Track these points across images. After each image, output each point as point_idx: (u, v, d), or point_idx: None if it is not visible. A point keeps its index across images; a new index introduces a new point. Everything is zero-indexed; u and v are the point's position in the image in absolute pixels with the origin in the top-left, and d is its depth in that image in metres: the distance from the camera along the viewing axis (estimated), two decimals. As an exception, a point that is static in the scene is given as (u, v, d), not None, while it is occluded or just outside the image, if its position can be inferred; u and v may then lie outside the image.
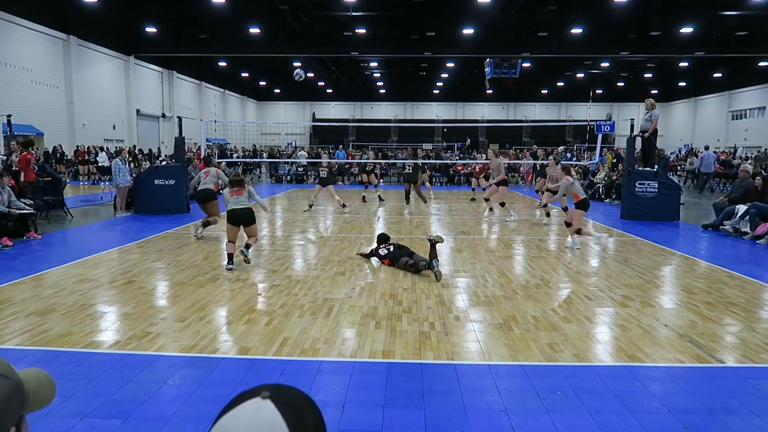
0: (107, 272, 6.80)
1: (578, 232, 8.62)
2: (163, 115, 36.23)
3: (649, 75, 44.52)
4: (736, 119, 41.48)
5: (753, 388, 3.65)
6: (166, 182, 12.05)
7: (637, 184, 11.71)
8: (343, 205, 13.07)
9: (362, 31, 30.77)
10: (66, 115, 26.43)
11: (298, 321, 4.98)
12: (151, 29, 30.03)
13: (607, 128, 13.41)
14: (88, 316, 5.03)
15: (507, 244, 9.26)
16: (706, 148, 21.53)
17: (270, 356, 4.15)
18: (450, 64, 40.78)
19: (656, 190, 11.61)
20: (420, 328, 4.84)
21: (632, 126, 12.29)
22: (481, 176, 17.64)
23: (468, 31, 29.24)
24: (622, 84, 48.95)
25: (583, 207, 8.58)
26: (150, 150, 27.13)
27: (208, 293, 5.88)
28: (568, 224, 8.85)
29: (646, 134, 12.19)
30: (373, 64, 42.71)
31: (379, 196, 15.97)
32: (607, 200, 16.25)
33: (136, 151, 26.91)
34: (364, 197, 16.20)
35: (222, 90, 46.27)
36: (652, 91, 48.76)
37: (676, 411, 3.31)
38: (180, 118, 13.05)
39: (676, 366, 4.05)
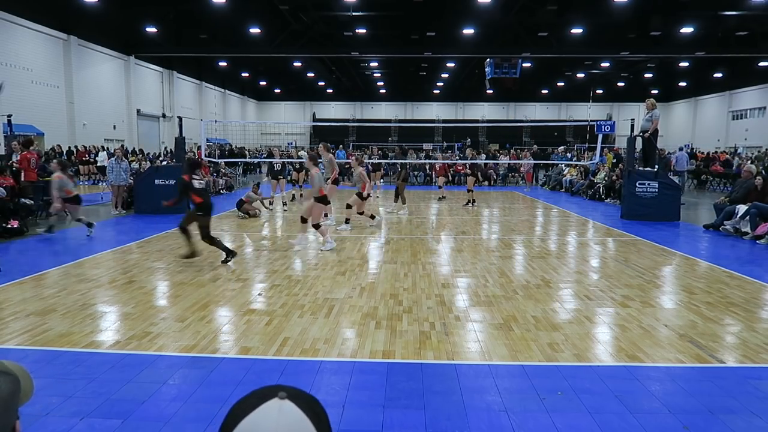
0: (107, 272, 6.80)
1: (316, 227, 8.46)
2: (164, 115, 36.23)
3: (650, 75, 44.50)
4: (737, 119, 41.45)
5: (753, 388, 3.65)
6: (167, 182, 12.04)
7: (637, 184, 11.71)
8: (270, 202, 13.82)
9: (362, 31, 30.76)
10: (66, 115, 26.43)
11: (298, 321, 4.98)
12: (151, 29, 30.03)
13: (607, 128, 13.40)
14: (89, 316, 5.03)
15: (507, 244, 9.26)
16: (680, 149, 21.78)
17: (270, 356, 4.15)
18: (450, 64, 40.77)
19: (656, 190, 11.60)
20: (420, 328, 4.84)
21: (632, 126, 12.29)
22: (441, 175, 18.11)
23: (468, 31, 29.22)
24: (622, 84, 48.92)
25: (323, 201, 8.48)
26: (142, 150, 26.95)
27: (208, 293, 5.88)
28: (305, 220, 8.64)
29: (647, 134, 12.19)
30: (373, 64, 42.70)
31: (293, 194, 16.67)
32: (608, 200, 16.22)
33: (122, 151, 26.82)
34: (294, 196, 16.68)
35: (222, 90, 46.27)
36: (653, 91, 48.67)
37: (676, 411, 3.31)
38: (180, 118, 13.04)
39: (676, 366, 4.05)
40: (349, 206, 10.47)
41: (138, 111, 32.72)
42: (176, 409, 3.29)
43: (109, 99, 29.87)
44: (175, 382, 3.67)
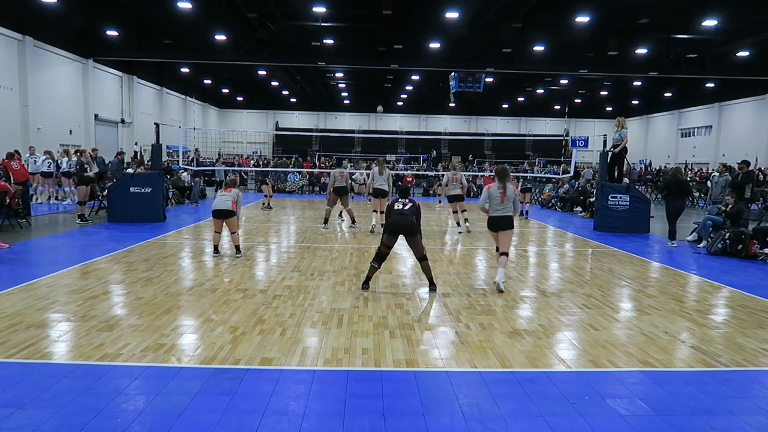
0: (98, 283, 6.56)
1: None
2: (123, 121, 35.16)
3: (605, 92, 46.32)
4: (685, 137, 43.65)
5: (760, 389, 3.88)
6: (142, 190, 11.71)
7: (609, 198, 12.17)
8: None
9: (330, 41, 30.85)
10: (20, 118, 25.35)
11: (312, 331, 4.96)
12: (112, 32, 29.21)
13: (581, 143, 13.89)
14: (93, 328, 4.85)
15: (494, 255, 9.45)
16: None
17: (294, 366, 4.12)
18: (415, 77, 41.29)
19: (628, 203, 12.08)
20: (434, 336, 4.90)
21: (605, 141, 12.79)
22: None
23: (434, 45, 29.77)
24: (579, 101, 50.70)
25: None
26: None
27: (211, 304, 5.76)
28: None
29: (615, 150, 12.70)
30: (339, 75, 42.77)
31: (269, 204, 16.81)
32: (582, 213, 16.53)
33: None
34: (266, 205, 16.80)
35: (183, 96, 45.28)
36: (607, 108, 50.77)
37: (700, 413, 3.48)
38: (157, 125, 12.70)
39: (688, 370, 4.25)
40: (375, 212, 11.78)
41: (96, 116, 31.64)
42: (215, 420, 3.23)
43: (65, 103, 28.79)
44: (205, 393, 3.59)
